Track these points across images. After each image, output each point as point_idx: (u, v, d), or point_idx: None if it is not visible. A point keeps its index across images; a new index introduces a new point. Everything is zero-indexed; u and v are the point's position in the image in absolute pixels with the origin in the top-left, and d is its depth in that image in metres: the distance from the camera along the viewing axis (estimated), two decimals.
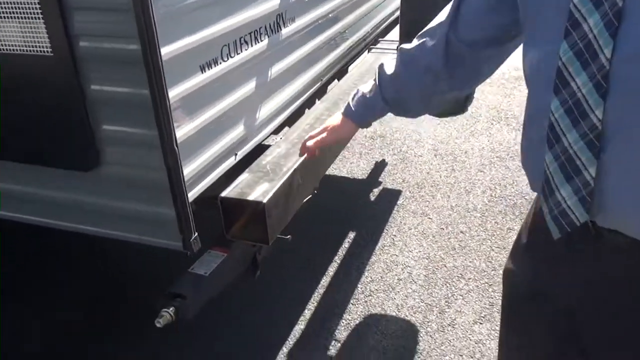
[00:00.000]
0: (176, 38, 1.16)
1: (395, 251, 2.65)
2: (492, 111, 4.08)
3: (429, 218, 2.88)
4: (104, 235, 1.35)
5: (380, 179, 3.27)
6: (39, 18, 1.11)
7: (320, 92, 1.91)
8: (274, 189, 1.31)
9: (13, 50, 1.16)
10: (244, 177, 1.38)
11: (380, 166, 3.42)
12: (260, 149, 1.54)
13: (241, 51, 1.38)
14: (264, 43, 1.49)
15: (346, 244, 2.71)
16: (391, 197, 3.09)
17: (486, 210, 2.91)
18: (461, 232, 2.76)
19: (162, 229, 1.25)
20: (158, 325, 1.32)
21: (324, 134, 1.33)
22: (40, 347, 2.16)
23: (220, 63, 1.31)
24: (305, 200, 1.88)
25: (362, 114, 1.26)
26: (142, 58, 1.06)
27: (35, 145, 1.26)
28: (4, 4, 1.12)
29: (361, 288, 2.43)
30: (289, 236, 1.81)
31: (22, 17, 1.13)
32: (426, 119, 3.94)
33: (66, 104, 1.18)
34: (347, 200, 3.10)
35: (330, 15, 1.91)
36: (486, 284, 2.41)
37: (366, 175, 3.34)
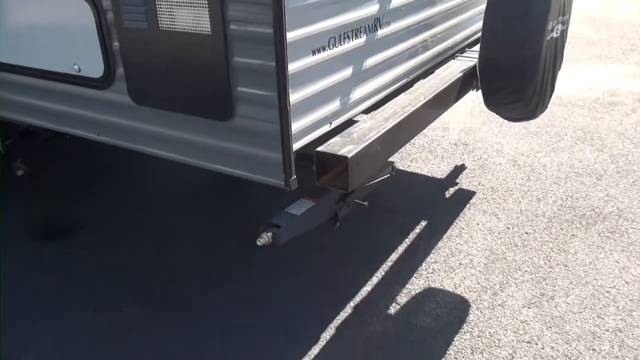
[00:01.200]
0: (298, 27, 1.58)
1: (460, 241, 2.94)
2: (578, 132, 4.22)
3: (497, 218, 3.14)
4: (228, 173, 1.80)
5: (457, 180, 3.56)
6: (205, 7, 1.58)
7: (407, 87, 2.27)
8: (357, 149, 1.70)
9: (185, 29, 1.63)
10: (335, 139, 1.78)
11: (459, 170, 3.70)
12: (351, 122, 1.93)
13: (343, 43, 1.79)
14: (362, 39, 1.88)
15: (417, 229, 3.04)
16: (465, 196, 3.37)
17: (554, 217, 3.12)
18: (526, 232, 3.00)
19: (271, 170, 1.67)
20: (258, 243, 1.75)
21: None
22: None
23: (327, 50, 1.72)
24: (382, 178, 2.27)
25: None
26: (273, 40, 1.49)
27: (190, 99, 1.73)
28: None
29: (425, 266, 2.75)
30: (365, 202, 2.20)
31: (193, 6, 1.60)
32: (510, 133, 4.17)
33: (215, 69, 1.63)
34: (424, 194, 3.42)
35: (422, 23, 2.28)
36: (541, 278, 2.64)
37: (444, 175, 3.63)
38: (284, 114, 1.57)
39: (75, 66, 1.95)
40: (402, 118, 1.91)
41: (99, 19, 1.80)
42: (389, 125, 1.87)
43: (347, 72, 1.86)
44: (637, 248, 2.84)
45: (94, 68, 1.90)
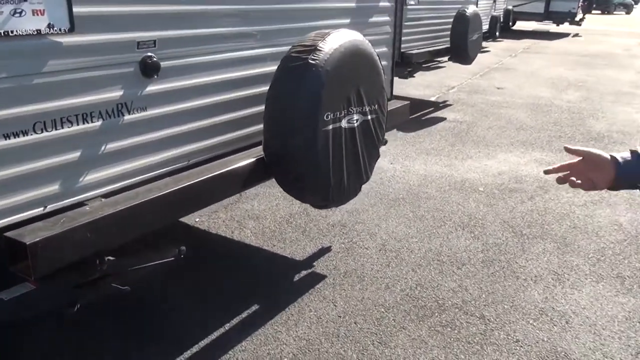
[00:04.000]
0: None
1: (282, 328, 2.83)
2: (464, 218, 4.17)
3: (334, 305, 3.03)
4: None
5: (314, 263, 3.48)
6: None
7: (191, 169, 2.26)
8: (46, 235, 1.66)
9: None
10: (37, 224, 1.74)
11: (322, 252, 3.63)
12: (81, 205, 1.90)
13: (61, 128, 1.79)
14: (96, 124, 1.89)
15: (244, 314, 2.94)
16: (313, 280, 3.28)
17: (392, 307, 3.01)
18: (355, 322, 2.89)
19: None
20: None
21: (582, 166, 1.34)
22: None
23: (30, 134, 1.72)
24: (159, 262, 2.21)
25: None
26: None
27: None
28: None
29: (230, 354, 2.63)
30: (127, 287, 2.14)
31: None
32: (394, 216, 4.13)
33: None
34: (272, 276, 3.34)
35: (198, 107, 2.29)
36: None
37: (304, 257, 3.56)
38: None
39: None
40: (129, 206, 1.88)
41: None
42: (110, 211, 1.84)
43: (72, 155, 1.85)
44: (460, 344, 2.72)
45: None
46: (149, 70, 2.02)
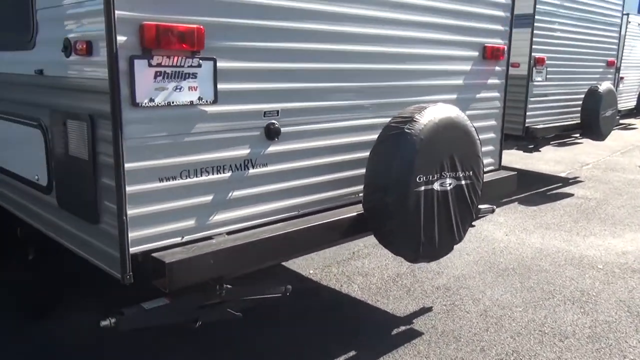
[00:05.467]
0: (139, 160, 2.14)
1: None
2: (575, 293, 4.09)
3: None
4: (92, 263, 2.31)
5: (414, 320, 3.66)
6: (85, 140, 2.21)
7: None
8: (181, 258, 2.13)
9: (76, 155, 2.27)
10: (178, 249, 2.22)
11: (423, 311, 3.79)
12: (210, 238, 2.37)
13: (200, 176, 2.30)
14: (226, 175, 2.38)
15: (343, 356, 3.20)
16: (411, 336, 3.46)
17: None
18: None
19: (115, 265, 2.16)
20: (100, 324, 2.19)
21: None
22: None
23: (178, 180, 2.24)
24: (269, 296, 2.62)
25: None
26: (114, 167, 2.06)
27: (79, 206, 2.33)
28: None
29: None
30: (239, 313, 2.55)
31: (80, 139, 2.24)
32: (501, 285, 4.18)
33: (88, 188, 2.23)
34: (370, 329, 3.57)
35: (311, 166, 2.72)
36: None
37: (405, 314, 3.75)
38: (121, 223, 2.08)
39: (35, 176, 2.68)
40: (245, 242, 2.31)
41: (46, 145, 2.53)
42: (230, 244, 2.28)
43: (206, 198, 2.34)
44: None
45: (44, 179, 2.60)
46: (272, 134, 2.49)
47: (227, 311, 2.51)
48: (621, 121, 13.52)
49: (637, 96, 13.82)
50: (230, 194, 2.42)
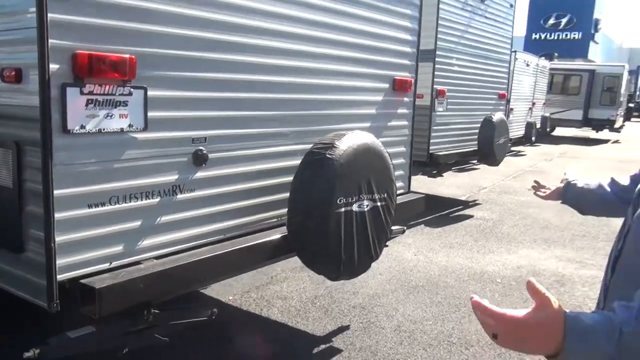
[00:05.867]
0: (68, 187, 2.15)
1: None
2: None
3: None
4: (17, 295, 2.26)
5: (332, 339, 3.81)
6: (9, 166, 2.18)
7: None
8: (110, 283, 2.14)
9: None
10: (105, 275, 2.23)
11: (342, 329, 3.96)
12: (138, 263, 2.39)
13: (129, 202, 2.33)
14: (155, 200, 2.43)
15: None
16: (329, 354, 3.60)
17: None
18: None
19: (41, 294, 2.12)
20: (24, 356, 2.14)
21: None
22: None
23: (107, 205, 2.26)
24: (194, 319, 2.65)
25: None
26: (42, 194, 2.05)
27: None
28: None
29: None
30: (166, 338, 2.57)
31: (6, 165, 2.20)
32: (412, 302, 4.44)
33: (11, 215, 2.19)
34: (289, 349, 3.68)
35: (238, 190, 2.82)
36: None
37: (324, 334, 3.89)
38: (49, 251, 2.06)
39: None
40: (173, 266, 2.36)
41: None
42: (158, 269, 2.32)
43: (134, 223, 2.37)
44: None
45: None
46: (200, 160, 2.57)
47: (154, 336, 2.52)
48: (512, 148, 14.72)
49: (524, 125, 15.12)
50: (158, 219, 2.47)
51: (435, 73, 6.77)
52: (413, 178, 8.19)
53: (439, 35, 6.67)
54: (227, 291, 4.56)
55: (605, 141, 20.88)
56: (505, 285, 4.93)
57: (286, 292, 4.60)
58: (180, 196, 2.54)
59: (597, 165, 13.53)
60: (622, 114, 21.42)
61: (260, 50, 2.80)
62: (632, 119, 30.15)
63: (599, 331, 1.00)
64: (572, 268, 5.45)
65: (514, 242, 6.35)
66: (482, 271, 5.31)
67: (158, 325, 2.56)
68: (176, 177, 2.51)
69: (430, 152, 7.05)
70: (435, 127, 7.05)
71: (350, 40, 3.37)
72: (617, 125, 21.05)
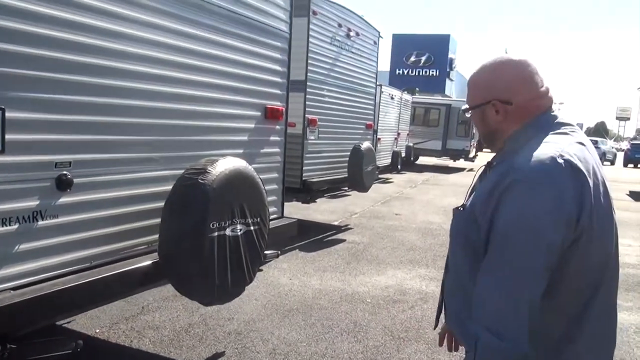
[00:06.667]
0: None
1: None
2: (350, 325, 4.63)
3: None
4: None
5: None
6: None
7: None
8: None
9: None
10: None
11: (216, 356, 3.92)
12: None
13: None
14: (13, 227, 2.29)
15: None
16: None
17: None
18: None
19: None
20: None
21: None
22: None
23: None
24: (60, 353, 2.49)
25: None
26: None
27: None
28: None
29: None
30: None
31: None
32: (288, 324, 4.51)
33: None
34: None
35: (106, 216, 2.74)
36: None
37: None
38: None
39: None
40: (32, 297, 2.23)
41: None
42: (14, 300, 2.18)
43: None
44: None
45: None
46: (64, 185, 2.47)
47: None
48: (380, 176, 15.59)
49: (391, 154, 16.12)
50: (17, 247, 2.33)
51: (307, 103, 7.06)
52: (287, 204, 8.40)
53: (309, 67, 6.98)
54: (94, 324, 4.33)
55: (462, 169, 22.84)
56: (374, 305, 5.20)
57: (158, 322, 4.47)
58: (41, 223, 2.42)
59: (454, 190, 14.73)
60: (475, 144, 23.63)
61: (128, 75, 2.78)
62: (484, 150, 33.30)
63: None
64: (434, 286, 5.88)
65: (383, 264, 6.72)
66: (354, 292, 5.55)
67: None
68: (37, 202, 2.39)
69: (304, 178, 7.29)
70: (307, 155, 7.30)
71: (222, 68, 3.45)
72: (471, 155, 23.13)
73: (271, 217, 4.15)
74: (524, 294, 1.26)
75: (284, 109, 4.17)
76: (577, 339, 1.37)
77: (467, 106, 1.60)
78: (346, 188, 9.54)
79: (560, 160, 1.30)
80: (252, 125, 3.85)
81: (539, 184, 1.29)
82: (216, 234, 2.80)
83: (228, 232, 2.88)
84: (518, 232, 1.28)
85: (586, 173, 1.31)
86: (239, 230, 2.97)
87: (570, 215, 1.27)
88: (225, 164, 2.92)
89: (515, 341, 1.25)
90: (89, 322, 4.33)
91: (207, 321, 4.51)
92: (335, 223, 9.23)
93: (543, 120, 1.47)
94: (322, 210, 10.12)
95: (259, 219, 3.13)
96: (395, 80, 33.25)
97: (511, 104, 1.47)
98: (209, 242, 2.75)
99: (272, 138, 4.12)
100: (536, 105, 1.48)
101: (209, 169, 2.81)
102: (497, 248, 1.31)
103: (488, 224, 1.34)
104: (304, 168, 7.26)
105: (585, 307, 1.37)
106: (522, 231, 1.27)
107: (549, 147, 1.35)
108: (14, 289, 2.30)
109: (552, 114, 1.49)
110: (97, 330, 4.23)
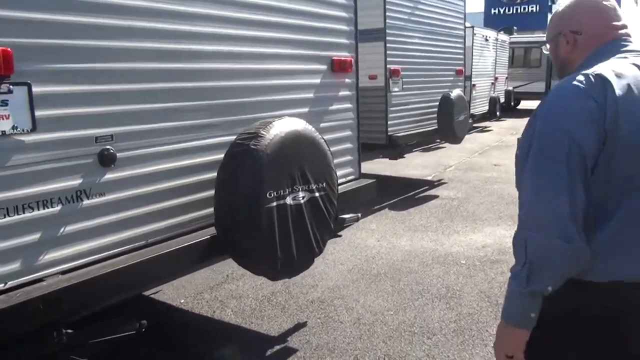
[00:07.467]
0: None
1: None
2: (442, 290, 4.27)
3: None
4: None
5: (287, 338, 3.60)
6: None
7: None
8: (3, 306, 1.88)
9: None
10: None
11: (299, 327, 3.75)
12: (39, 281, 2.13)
13: (22, 213, 2.06)
14: (56, 209, 2.16)
15: None
16: (283, 355, 3.39)
17: None
18: None
19: None
20: None
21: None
22: None
23: None
24: (123, 334, 2.40)
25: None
26: None
27: None
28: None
29: None
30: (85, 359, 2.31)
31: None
32: (374, 291, 4.25)
33: None
34: (242, 352, 3.46)
35: (154, 191, 2.56)
36: None
37: (278, 333, 3.67)
38: None
39: None
40: (81, 281, 2.10)
41: None
42: (63, 285, 2.06)
43: (32, 237, 2.10)
44: None
45: None
46: (107, 160, 2.31)
47: (70, 358, 2.27)
48: (477, 124, 14.68)
49: (488, 100, 15.08)
50: (62, 230, 2.20)
51: (387, 52, 6.56)
52: (376, 162, 8.06)
53: (387, 13, 6.45)
54: (179, 294, 4.32)
55: None
56: (469, 267, 4.78)
57: (242, 291, 4.37)
58: (87, 202, 2.27)
59: None
60: None
61: (175, 36, 2.54)
62: None
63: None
64: None
65: (479, 221, 6.22)
66: (447, 253, 5.15)
67: (80, 345, 2.31)
68: (80, 181, 2.24)
69: (389, 134, 6.86)
70: (392, 108, 6.86)
71: (279, 20, 3.12)
72: None
73: (347, 178, 3.85)
74: (562, 184, 1.34)
75: (353, 59, 3.78)
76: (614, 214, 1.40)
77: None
78: (438, 140, 8.97)
79: (591, 76, 1.38)
80: (318, 81, 3.51)
81: (565, 91, 1.41)
82: (275, 203, 2.53)
83: (289, 200, 2.61)
84: (544, 130, 1.40)
85: (616, 84, 1.36)
86: (301, 198, 2.69)
87: (592, 113, 1.34)
88: (281, 126, 2.63)
89: (561, 234, 1.33)
90: (175, 293, 4.33)
91: (290, 289, 4.35)
92: (428, 178, 8.75)
93: (609, 47, 1.50)
94: (414, 165, 9.65)
95: (324, 184, 2.83)
96: (491, 21, 31.03)
97: (580, 34, 1.53)
98: (267, 213, 2.50)
99: (341, 93, 3.76)
100: (606, 36, 1.51)
101: (262, 132, 2.53)
102: (532, 153, 1.41)
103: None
104: (389, 122, 6.83)
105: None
106: (548, 128, 1.39)
107: (592, 68, 1.41)
108: (63, 272, 2.19)
109: (622, 42, 1.50)
110: (182, 301, 4.22)
